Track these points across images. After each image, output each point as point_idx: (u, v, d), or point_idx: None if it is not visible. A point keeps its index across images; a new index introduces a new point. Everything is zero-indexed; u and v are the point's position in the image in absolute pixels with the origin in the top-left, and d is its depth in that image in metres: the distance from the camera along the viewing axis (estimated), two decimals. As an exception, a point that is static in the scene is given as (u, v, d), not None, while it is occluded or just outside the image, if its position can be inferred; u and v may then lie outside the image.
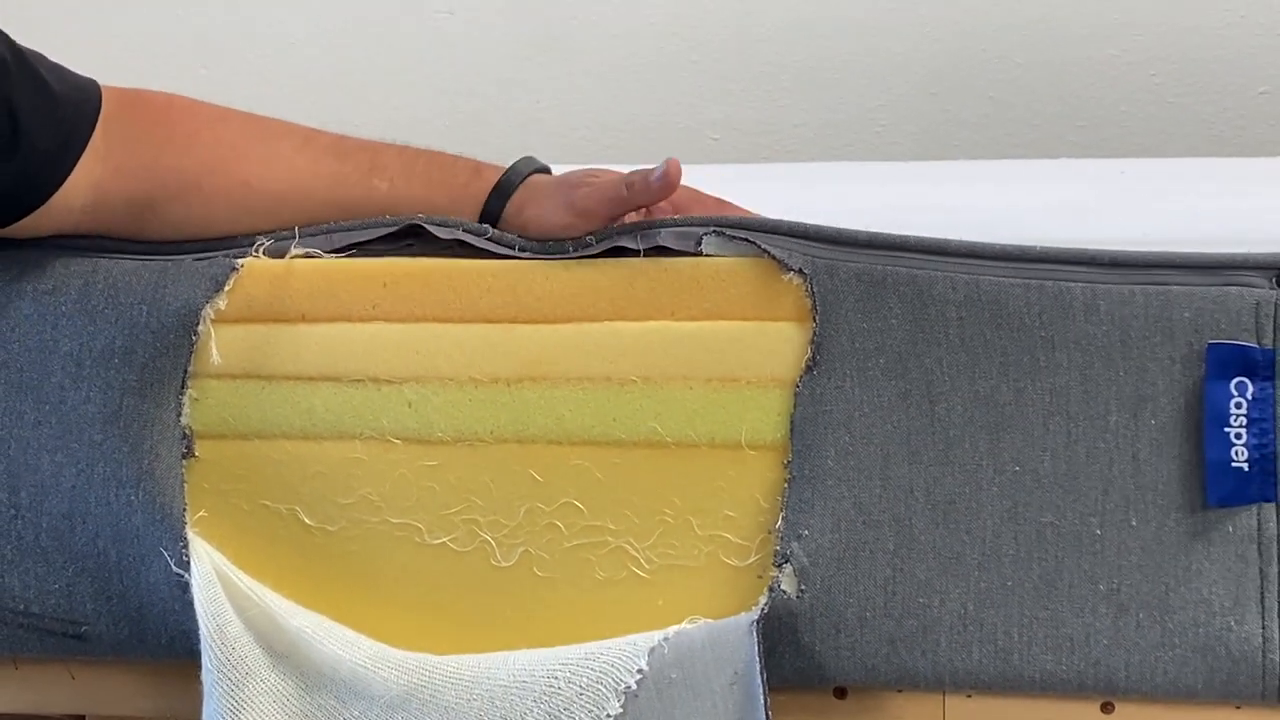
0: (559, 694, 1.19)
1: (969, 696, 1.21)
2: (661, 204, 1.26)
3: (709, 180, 1.32)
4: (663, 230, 1.24)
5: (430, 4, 2.39)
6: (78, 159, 1.23)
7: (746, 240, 1.22)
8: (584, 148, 2.36)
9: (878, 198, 1.62)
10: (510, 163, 1.28)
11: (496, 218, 1.26)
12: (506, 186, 1.26)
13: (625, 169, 1.28)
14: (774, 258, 1.21)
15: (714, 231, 1.23)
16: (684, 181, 1.25)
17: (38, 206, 1.23)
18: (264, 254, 1.25)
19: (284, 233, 1.25)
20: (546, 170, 1.29)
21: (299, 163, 1.26)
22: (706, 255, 1.23)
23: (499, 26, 2.40)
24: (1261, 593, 1.16)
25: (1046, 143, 2.36)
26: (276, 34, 2.42)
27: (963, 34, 2.38)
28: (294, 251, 1.25)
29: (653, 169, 1.22)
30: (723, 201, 1.27)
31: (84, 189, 1.24)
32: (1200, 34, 2.34)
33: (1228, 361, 1.15)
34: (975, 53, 2.38)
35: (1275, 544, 1.16)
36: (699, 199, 1.27)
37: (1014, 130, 2.38)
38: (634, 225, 1.25)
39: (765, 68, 2.39)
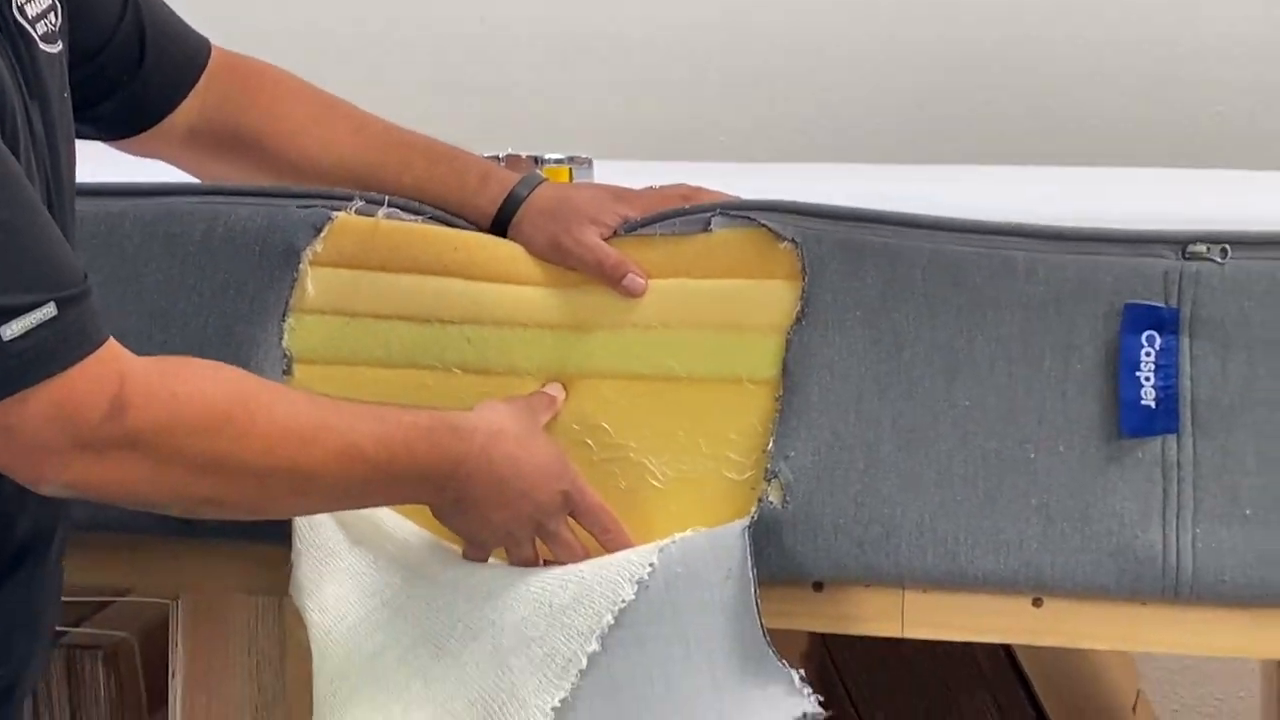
0: (584, 581, 1.42)
1: (924, 591, 1.45)
2: (673, 196, 1.51)
3: (718, 176, 1.54)
4: (678, 220, 1.48)
5: (464, 13, 2.64)
6: (184, 97, 1.50)
7: (747, 217, 1.47)
8: (604, 146, 2.59)
9: (868, 194, 1.84)
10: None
11: (504, 228, 1.50)
12: (509, 209, 1.49)
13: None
14: (770, 229, 1.46)
15: (720, 212, 1.48)
16: (694, 179, 1.50)
17: (149, 127, 1.49)
18: (355, 212, 1.49)
19: (375, 195, 1.50)
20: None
21: (349, 148, 1.52)
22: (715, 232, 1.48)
23: (526, 35, 2.63)
24: (1164, 508, 1.41)
25: (1022, 151, 2.59)
26: (312, 32, 2.65)
27: (950, 52, 2.61)
28: (383, 212, 1.50)
29: (629, 283, 1.46)
30: (723, 193, 1.51)
31: (183, 125, 1.50)
32: (1165, 56, 2.57)
33: (1140, 318, 1.40)
34: (961, 69, 2.61)
35: (1176, 468, 1.41)
36: (702, 191, 1.52)
37: (993, 139, 2.61)
38: (654, 216, 1.48)
39: (771, 78, 2.62)
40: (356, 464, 1.30)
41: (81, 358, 1.18)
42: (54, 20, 1.31)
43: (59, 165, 1.31)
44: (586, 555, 1.44)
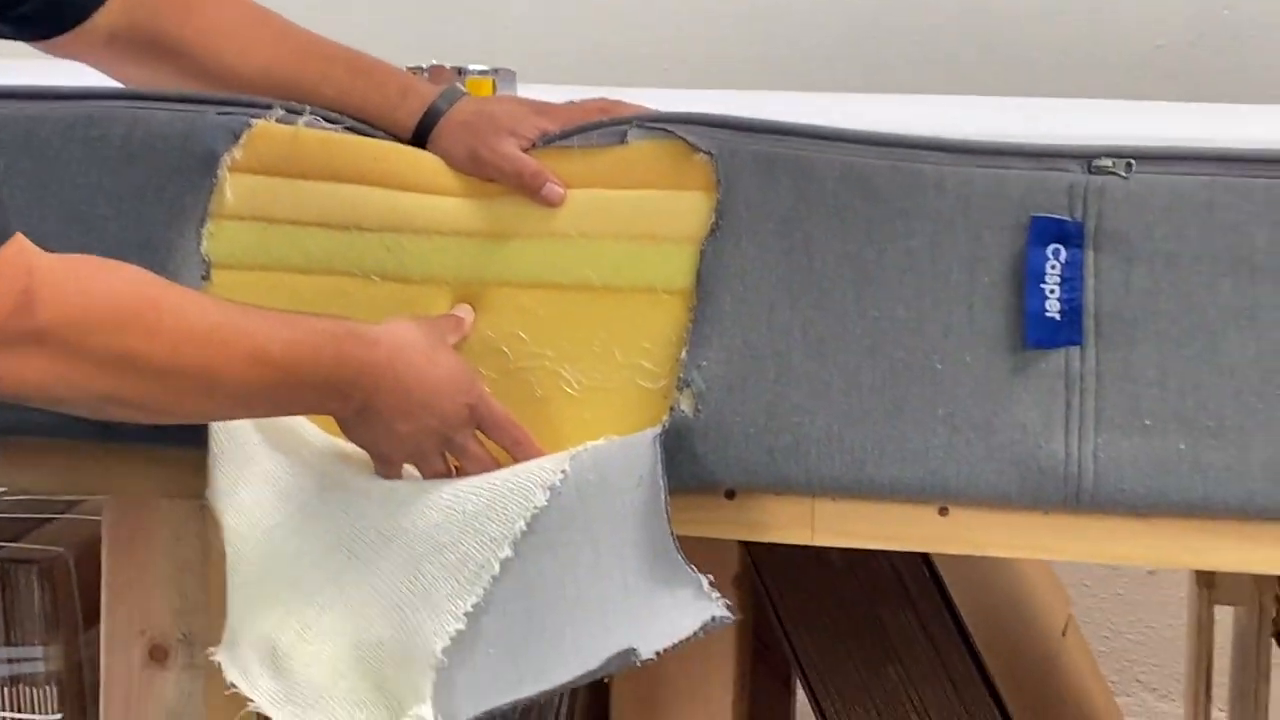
0: (497, 489, 1.44)
1: (834, 500, 1.48)
2: (592, 110, 1.52)
3: (663, 102, 1.55)
4: (596, 132, 1.50)
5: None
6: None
7: (664, 129, 1.48)
8: (557, 67, 2.60)
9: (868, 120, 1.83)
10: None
11: (424, 141, 1.52)
12: (428, 122, 1.51)
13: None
14: (686, 141, 1.47)
15: (637, 125, 1.49)
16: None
17: (71, 29, 1.50)
18: (276, 120, 1.51)
19: (296, 105, 1.51)
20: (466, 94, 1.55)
21: (270, 57, 1.53)
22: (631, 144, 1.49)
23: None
24: (1066, 419, 1.43)
25: (964, 82, 2.62)
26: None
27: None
28: (303, 120, 1.51)
29: (547, 192, 1.48)
30: (641, 106, 1.53)
31: (105, 27, 1.51)
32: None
33: (1046, 231, 1.42)
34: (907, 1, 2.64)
35: (1079, 379, 1.43)
36: (621, 104, 1.53)
37: (937, 70, 2.63)
38: (573, 129, 1.50)
39: (721, 5, 2.64)
40: (263, 368, 1.31)
41: None
42: None
43: None
44: (496, 468, 1.46)
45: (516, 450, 1.46)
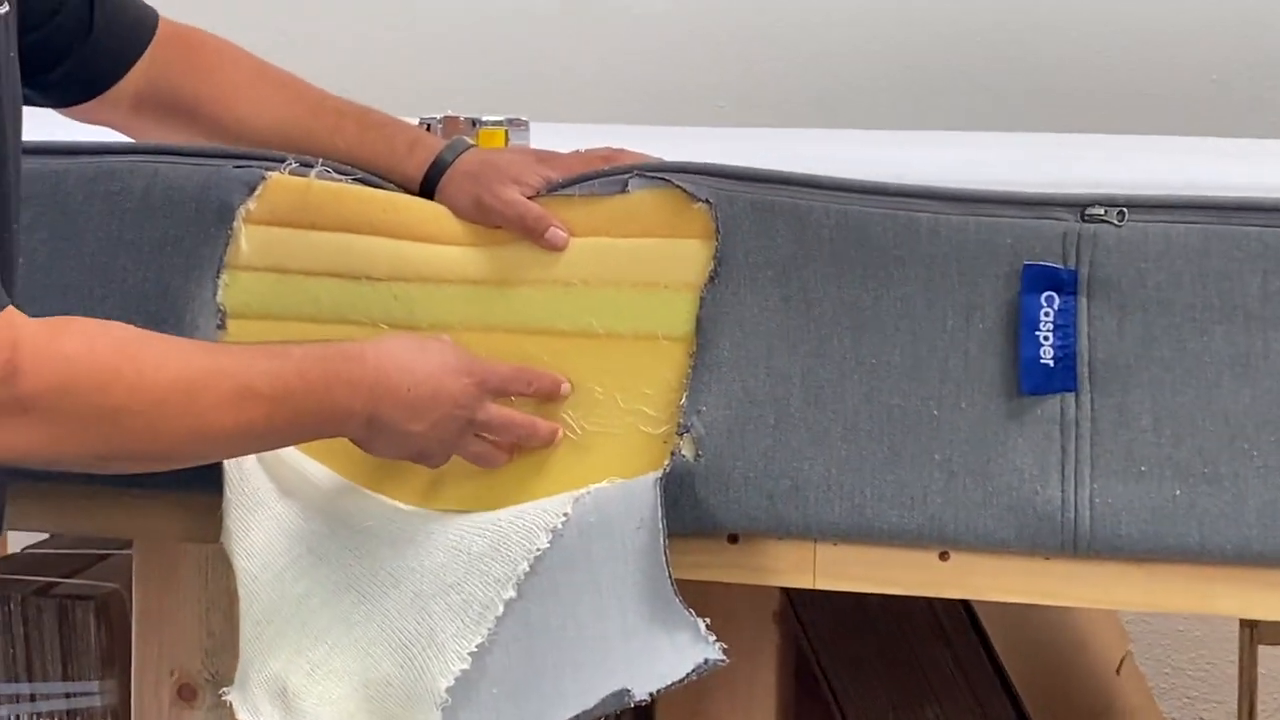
0: (500, 530, 1.48)
1: (834, 544, 1.49)
2: (595, 159, 1.55)
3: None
4: (598, 181, 1.52)
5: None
6: (132, 65, 1.56)
7: (663, 178, 1.51)
8: (601, 108, 2.64)
9: (859, 159, 1.85)
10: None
11: (431, 192, 1.55)
12: (434, 174, 1.55)
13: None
14: (685, 190, 1.50)
15: (637, 174, 1.52)
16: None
17: (98, 94, 1.55)
18: (289, 172, 1.55)
19: (309, 157, 1.55)
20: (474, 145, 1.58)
21: (284, 113, 1.58)
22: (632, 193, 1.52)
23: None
24: (1062, 465, 1.44)
25: (1019, 118, 2.62)
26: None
27: (947, 21, 2.64)
28: (315, 172, 1.55)
29: (551, 236, 1.51)
30: (643, 155, 1.55)
31: (130, 92, 1.56)
32: (1160, 28, 2.59)
33: (1039, 278, 1.43)
34: (957, 38, 2.64)
35: (1074, 425, 1.44)
36: (624, 153, 1.56)
37: (988, 105, 2.64)
38: (574, 178, 1.53)
39: (767, 45, 2.66)
40: (252, 404, 1.33)
41: None
42: None
43: (3, 125, 1.35)
44: (533, 426, 1.49)
45: (538, 393, 1.49)
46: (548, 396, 1.50)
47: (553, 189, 1.53)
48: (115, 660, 1.96)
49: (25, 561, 2.06)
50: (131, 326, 1.33)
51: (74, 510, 1.63)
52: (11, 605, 1.91)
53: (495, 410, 1.47)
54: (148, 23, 1.58)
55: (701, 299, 1.49)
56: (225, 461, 1.51)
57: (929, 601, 1.97)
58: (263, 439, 1.41)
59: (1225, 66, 2.58)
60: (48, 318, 1.27)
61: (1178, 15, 2.59)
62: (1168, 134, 2.35)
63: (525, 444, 1.50)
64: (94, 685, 1.91)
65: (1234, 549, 1.41)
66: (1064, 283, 1.43)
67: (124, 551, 2.11)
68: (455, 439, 1.46)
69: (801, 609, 2.04)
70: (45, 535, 2.16)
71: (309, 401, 1.37)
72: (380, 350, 1.41)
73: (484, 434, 1.48)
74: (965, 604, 2.03)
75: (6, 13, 1.36)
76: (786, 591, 1.88)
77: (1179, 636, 2.69)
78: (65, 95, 1.56)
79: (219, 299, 1.55)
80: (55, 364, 1.25)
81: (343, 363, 1.39)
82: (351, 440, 1.44)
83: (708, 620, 1.43)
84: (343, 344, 1.43)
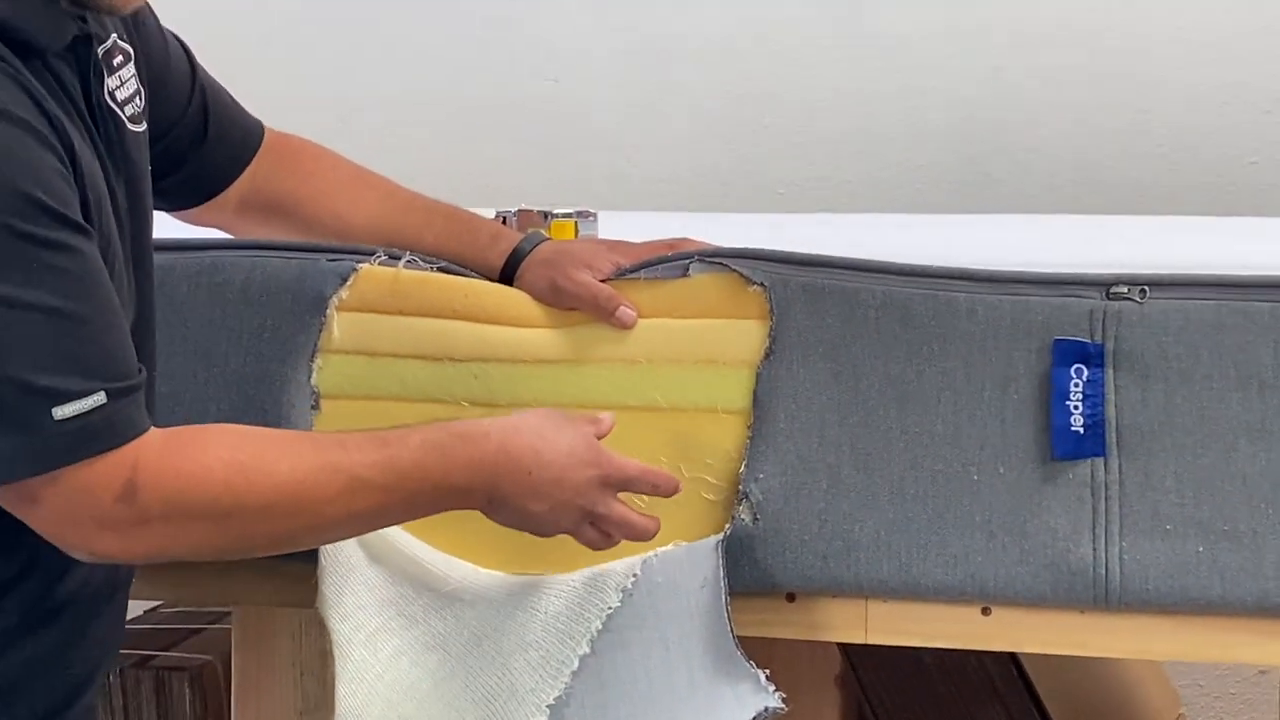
0: (575, 591, 1.59)
1: (885, 601, 1.60)
2: (660, 246, 1.67)
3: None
4: (661, 266, 1.65)
5: (538, 72, 2.82)
6: (241, 173, 1.69)
7: (721, 263, 1.63)
8: (672, 196, 2.76)
9: (902, 242, 1.93)
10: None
11: (511, 279, 1.67)
12: (513, 262, 1.67)
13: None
14: (742, 274, 1.62)
15: (698, 259, 1.64)
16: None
17: (208, 199, 1.68)
18: (379, 263, 1.67)
19: (396, 250, 1.67)
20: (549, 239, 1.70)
21: (376, 211, 1.71)
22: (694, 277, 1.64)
23: (598, 93, 2.82)
24: (1093, 524, 1.55)
25: (1063, 201, 2.72)
26: (399, 94, 2.86)
27: (997, 108, 2.75)
28: (402, 263, 1.67)
29: (621, 314, 1.63)
30: (704, 242, 1.67)
31: (236, 196, 1.69)
32: (1199, 110, 2.69)
33: (1069, 352, 1.55)
34: (1006, 123, 2.74)
35: (1104, 488, 1.55)
36: (686, 241, 1.68)
37: (1034, 190, 2.73)
38: (641, 263, 1.65)
39: (824, 133, 2.77)
40: (364, 495, 1.39)
41: (118, 446, 1.30)
42: (139, 103, 1.46)
43: (141, 235, 1.46)
44: (645, 529, 1.52)
45: (658, 493, 1.53)
46: (666, 496, 1.55)
47: (621, 274, 1.65)
48: (208, 728, 2.07)
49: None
50: (248, 429, 1.41)
51: (178, 581, 1.74)
52: (112, 677, 2.02)
53: (616, 508, 1.50)
54: (255, 133, 1.70)
55: (758, 375, 1.61)
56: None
57: (980, 660, 2.07)
58: (378, 521, 1.48)
59: (1266, 150, 2.66)
60: (168, 430, 1.36)
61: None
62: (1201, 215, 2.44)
63: (633, 540, 1.54)
64: (189, 754, 2.03)
65: (1254, 601, 1.52)
66: (1091, 356, 1.54)
67: (217, 626, 2.23)
68: (572, 525, 1.50)
69: (861, 670, 2.14)
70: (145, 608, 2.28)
71: (425, 485, 1.42)
72: (506, 428, 1.46)
73: (599, 525, 1.51)
74: (1016, 663, 2.12)
75: (143, 131, 1.47)
76: (846, 654, 1.98)
77: (1231, 699, 2.76)
78: (177, 200, 1.68)
79: (313, 382, 1.67)
80: (171, 481, 1.33)
81: (463, 445, 1.43)
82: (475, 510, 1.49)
83: (768, 671, 1.54)
84: (466, 424, 1.47)
